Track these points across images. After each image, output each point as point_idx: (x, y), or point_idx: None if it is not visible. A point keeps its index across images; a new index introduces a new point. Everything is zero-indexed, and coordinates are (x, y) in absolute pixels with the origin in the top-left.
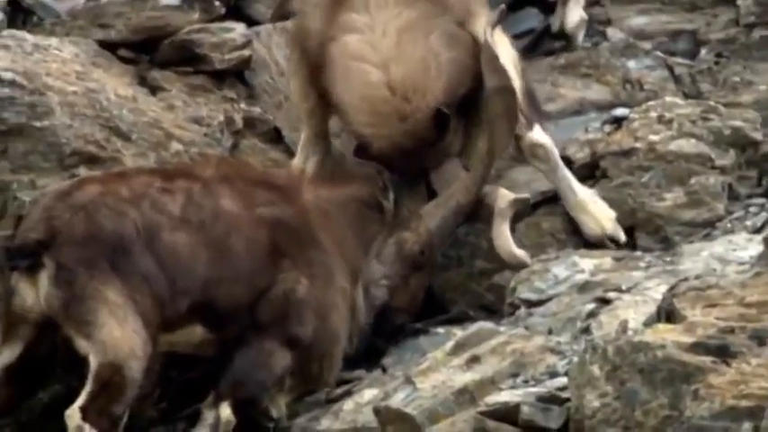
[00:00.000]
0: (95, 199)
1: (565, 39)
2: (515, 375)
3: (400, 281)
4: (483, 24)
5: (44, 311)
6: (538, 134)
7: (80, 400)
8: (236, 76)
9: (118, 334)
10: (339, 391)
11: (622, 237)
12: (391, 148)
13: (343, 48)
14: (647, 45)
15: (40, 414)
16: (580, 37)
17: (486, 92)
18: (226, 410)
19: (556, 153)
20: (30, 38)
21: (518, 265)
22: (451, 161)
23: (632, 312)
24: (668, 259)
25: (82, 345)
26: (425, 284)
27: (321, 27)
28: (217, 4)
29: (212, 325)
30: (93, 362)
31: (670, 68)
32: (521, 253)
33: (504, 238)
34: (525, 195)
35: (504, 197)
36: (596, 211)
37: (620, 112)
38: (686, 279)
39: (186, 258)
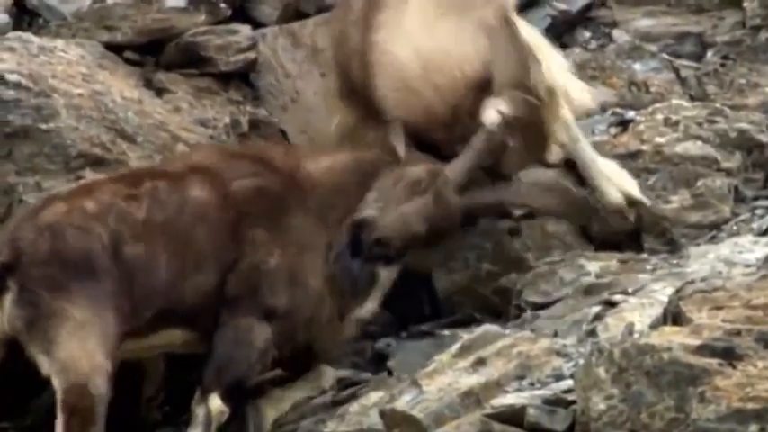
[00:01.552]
0: (60, 218)
1: None
2: (521, 378)
3: (393, 204)
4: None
5: (8, 333)
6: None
7: None
8: (242, 78)
9: (78, 353)
10: (345, 393)
11: (646, 200)
12: (429, 119)
13: (375, 46)
14: (653, 47)
15: (44, 416)
16: None
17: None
18: (215, 401)
19: (575, 126)
20: (35, 40)
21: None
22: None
23: (638, 315)
24: (674, 261)
25: (44, 365)
26: (425, 219)
27: (360, 39)
28: (222, 6)
29: (187, 324)
30: (57, 386)
31: (676, 71)
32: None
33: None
34: None
35: None
36: (618, 178)
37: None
38: (692, 281)
39: (148, 267)
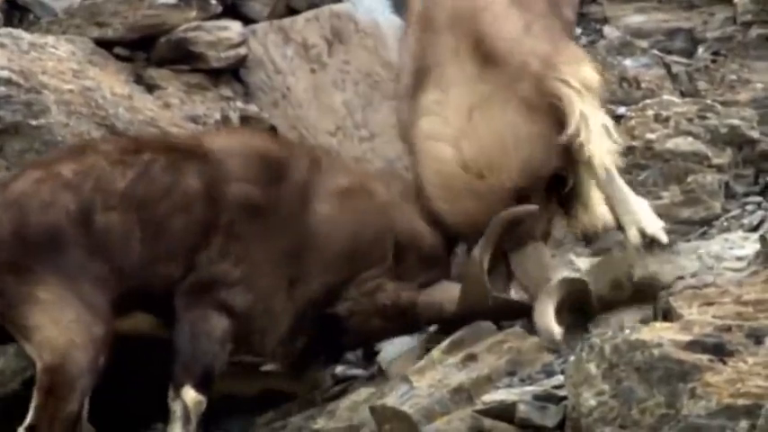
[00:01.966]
0: (27, 190)
1: None
2: (512, 374)
3: (362, 313)
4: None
5: None
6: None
7: (27, 419)
8: (233, 74)
9: (52, 332)
10: (335, 389)
11: (664, 239)
12: (466, 225)
13: (419, 130)
14: (643, 43)
15: None
16: None
17: None
18: (189, 393)
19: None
20: (26, 36)
21: (550, 343)
22: (534, 245)
23: (629, 310)
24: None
25: (28, 349)
26: (386, 334)
27: (408, 116)
28: (213, 2)
29: (155, 310)
30: (37, 368)
31: (667, 67)
32: (557, 332)
33: (545, 316)
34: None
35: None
36: (642, 215)
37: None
38: (683, 277)
39: (121, 238)
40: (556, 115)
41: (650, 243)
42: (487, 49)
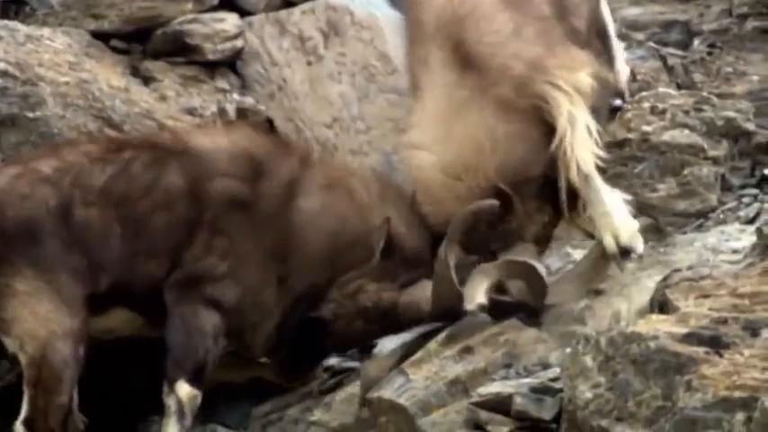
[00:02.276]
0: (5, 186)
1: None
2: (508, 366)
3: (346, 316)
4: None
5: None
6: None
7: (23, 413)
8: (229, 66)
9: (32, 324)
10: (331, 382)
11: (639, 249)
12: (446, 224)
13: (406, 141)
14: (639, 36)
15: None
16: (627, 92)
17: None
18: (183, 388)
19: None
20: (22, 28)
21: (460, 310)
22: (523, 246)
23: (625, 303)
24: (661, 250)
25: (8, 343)
26: (369, 335)
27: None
28: None
29: (139, 308)
30: (22, 362)
31: (663, 59)
32: (477, 302)
33: (473, 288)
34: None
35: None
36: (617, 221)
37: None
38: (679, 270)
39: (100, 233)
40: (541, 118)
41: (624, 252)
42: (466, 54)
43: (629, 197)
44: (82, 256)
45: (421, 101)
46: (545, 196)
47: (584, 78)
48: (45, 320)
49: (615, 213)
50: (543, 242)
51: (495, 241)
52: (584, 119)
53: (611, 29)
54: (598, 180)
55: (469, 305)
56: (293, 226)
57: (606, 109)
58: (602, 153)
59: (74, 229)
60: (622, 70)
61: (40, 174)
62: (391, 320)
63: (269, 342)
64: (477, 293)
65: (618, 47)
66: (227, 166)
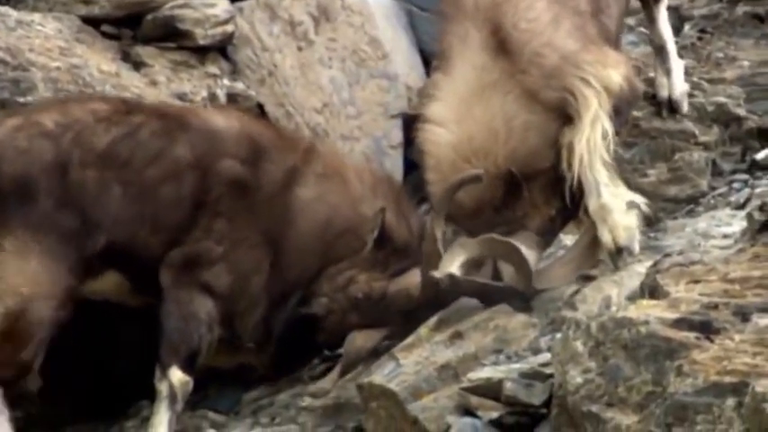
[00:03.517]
0: (3, 139)
1: (672, 106)
2: (498, 351)
3: (339, 310)
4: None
5: None
6: None
7: None
8: (220, 51)
9: (17, 280)
10: (322, 367)
11: (636, 249)
12: (454, 207)
13: (425, 114)
14: (630, 21)
15: None
16: (685, 105)
17: None
18: (176, 374)
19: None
20: (13, 13)
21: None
22: (524, 234)
23: (616, 288)
24: (652, 235)
25: None
26: (361, 328)
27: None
28: None
29: (131, 275)
30: None
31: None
32: (446, 273)
33: (447, 261)
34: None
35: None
36: (616, 219)
37: None
38: (670, 255)
39: (97, 193)
40: (562, 112)
41: (620, 250)
42: (502, 39)
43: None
44: (76, 216)
45: (450, 77)
46: (555, 191)
47: (616, 78)
48: (31, 280)
49: (614, 210)
50: (547, 235)
51: (499, 227)
52: (605, 122)
53: (671, 45)
54: (603, 174)
55: (437, 273)
56: (289, 214)
57: (629, 114)
58: (608, 159)
59: (70, 187)
60: (679, 85)
61: (40, 127)
62: (382, 310)
63: (257, 330)
64: (450, 264)
65: (677, 62)
66: (235, 147)
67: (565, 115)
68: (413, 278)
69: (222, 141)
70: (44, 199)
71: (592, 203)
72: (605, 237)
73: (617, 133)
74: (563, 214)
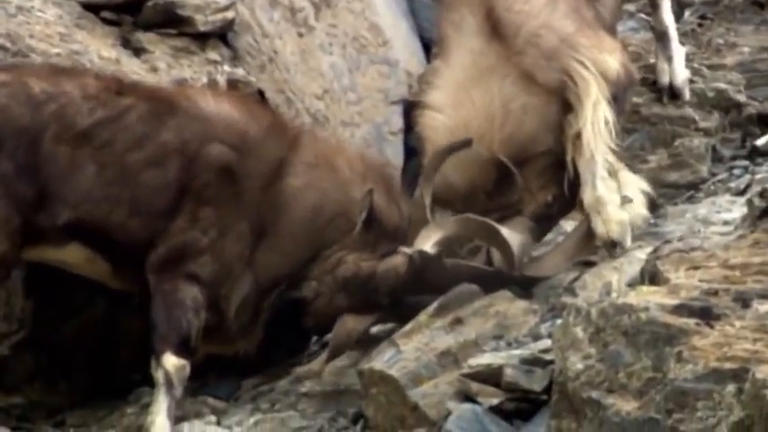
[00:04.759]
0: None
1: (674, 92)
2: (498, 337)
3: (327, 292)
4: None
5: None
6: None
7: None
8: (220, 38)
9: None
10: (322, 354)
11: (627, 243)
12: (448, 191)
13: (423, 102)
14: (630, 7)
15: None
16: (686, 92)
17: None
18: (170, 360)
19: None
20: (13, 0)
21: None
22: (518, 219)
23: (616, 274)
24: (652, 221)
25: None
26: (351, 311)
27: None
28: None
29: (100, 248)
30: None
31: (654, 30)
32: (421, 250)
33: (422, 239)
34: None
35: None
36: (609, 211)
37: None
38: (670, 241)
39: (67, 168)
40: (561, 95)
41: (613, 244)
42: (496, 21)
43: (647, 188)
44: (33, 185)
45: (447, 63)
46: (552, 177)
47: (612, 64)
48: None
49: (609, 203)
50: (543, 222)
51: (493, 212)
52: (605, 110)
53: (673, 31)
54: (600, 167)
55: (408, 249)
56: (279, 203)
57: (628, 102)
58: (613, 145)
59: (35, 157)
60: (680, 72)
61: (25, 90)
62: (371, 291)
63: (243, 313)
64: (426, 242)
65: (678, 49)
66: (224, 133)
67: (563, 99)
68: (401, 258)
69: (211, 126)
70: (6, 161)
71: (587, 195)
72: (599, 229)
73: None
74: (561, 201)
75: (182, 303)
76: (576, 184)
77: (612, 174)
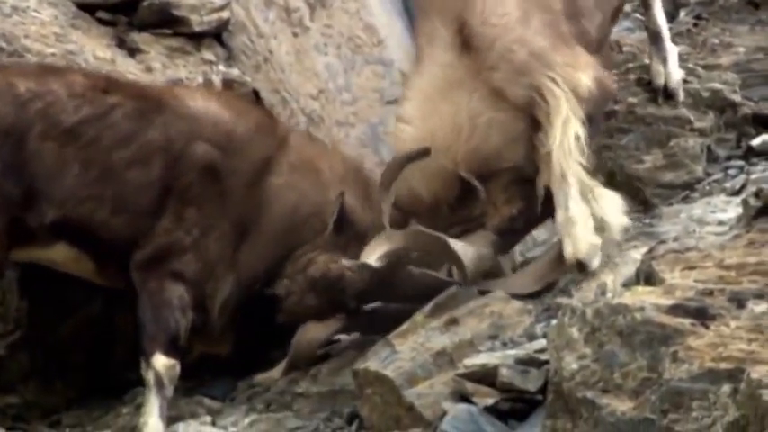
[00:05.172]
0: None
1: (668, 93)
2: (494, 337)
3: (298, 291)
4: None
5: None
6: None
7: None
8: (215, 38)
9: None
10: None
11: (594, 265)
12: (412, 202)
13: (397, 118)
14: (626, 7)
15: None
16: (680, 94)
17: None
18: (159, 360)
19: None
20: (8, 0)
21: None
22: (480, 233)
23: (611, 275)
24: (647, 221)
25: None
26: (320, 311)
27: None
28: None
29: (85, 247)
30: None
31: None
32: (367, 263)
33: (373, 248)
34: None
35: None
36: (579, 233)
37: None
38: (665, 241)
39: (52, 167)
40: (529, 112)
41: (580, 264)
42: (468, 35)
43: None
44: (20, 185)
45: (419, 75)
46: (517, 191)
47: (585, 81)
48: None
49: (579, 225)
50: (507, 236)
51: (456, 225)
52: (576, 125)
53: (666, 31)
54: (574, 188)
55: (348, 262)
56: (261, 201)
57: (601, 117)
58: (584, 163)
59: (21, 156)
60: (674, 74)
61: (11, 89)
62: (338, 291)
63: (225, 311)
64: (372, 254)
65: (672, 49)
66: (211, 131)
67: (532, 116)
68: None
69: (198, 125)
70: None
71: (559, 215)
72: (567, 249)
73: (591, 138)
74: (527, 215)
75: (168, 303)
76: (547, 200)
77: (586, 192)
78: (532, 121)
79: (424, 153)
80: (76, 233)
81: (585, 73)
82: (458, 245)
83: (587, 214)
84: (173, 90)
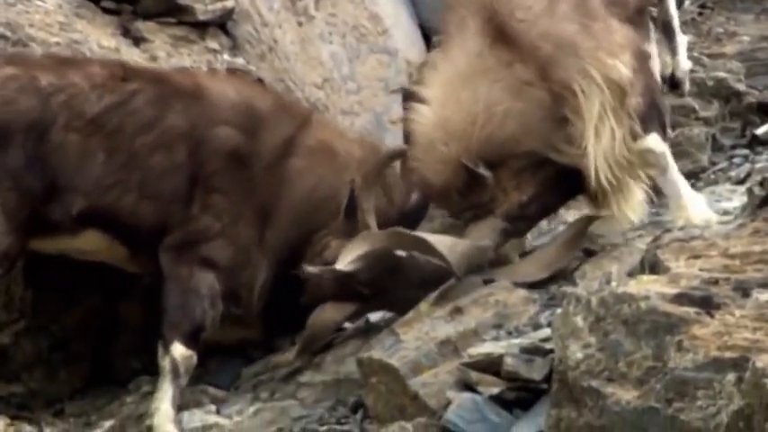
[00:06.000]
0: None
1: (675, 83)
2: (499, 326)
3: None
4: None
5: None
6: (652, 141)
7: None
8: (220, 27)
9: None
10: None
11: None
12: (425, 184)
13: (415, 94)
14: None
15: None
16: (687, 84)
17: None
18: (178, 349)
19: (667, 159)
20: None
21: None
22: (489, 220)
23: (616, 263)
24: (652, 210)
25: None
26: (335, 295)
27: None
28: None
29: (116, 234)
30: None
31: (654, 20)
32: (343, 265)
33: (349, 250)
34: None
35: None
36: (694, 214)
37: None
38: (670, 230)
39: (77, 157)
40: (560, 105)
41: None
42: (498, 28)
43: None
44: (45, 178)
45: (446, 59)
46: (530, 177)
47: (620, 69)
48: None
49: (692, 204)
50: (517, 222)
51: (467, 210)
52: (610, 124)
53: (676, 22)
54: (672, 170)
55: (313, 268)
56: (283, 183)
57: (655, 90)
58: (623, 161)
59: (46, 148)
60: (683, 63)
61: (34, 83)
62: (348, 278)
63: (261, 299)
64: (348, 256)
65: (681, 39)
66: (233, 114)
67: (555, 107)
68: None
69: (219, 108)
70: (14, 153)
71: (672, 202)
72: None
73: (669, 126)
74: (540, 201)
75: (197, 291)
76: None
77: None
78: (554, 109)
79: (400, 153)
80: (106, 221)
81: (621, 57)
82: (443, 242)
83: (698, 197)
84: (193, 75)
